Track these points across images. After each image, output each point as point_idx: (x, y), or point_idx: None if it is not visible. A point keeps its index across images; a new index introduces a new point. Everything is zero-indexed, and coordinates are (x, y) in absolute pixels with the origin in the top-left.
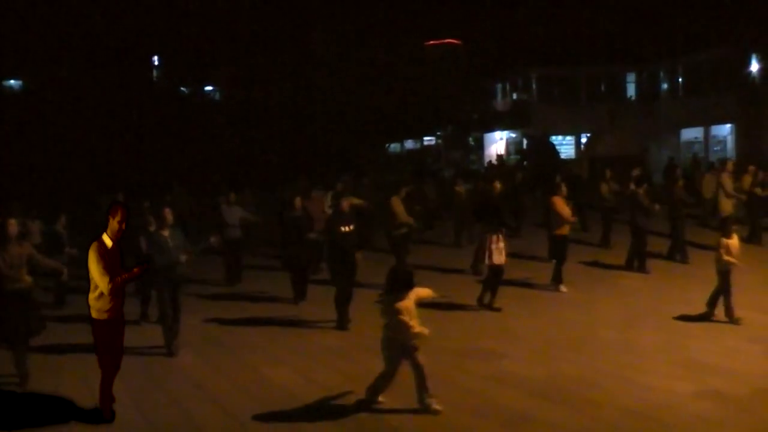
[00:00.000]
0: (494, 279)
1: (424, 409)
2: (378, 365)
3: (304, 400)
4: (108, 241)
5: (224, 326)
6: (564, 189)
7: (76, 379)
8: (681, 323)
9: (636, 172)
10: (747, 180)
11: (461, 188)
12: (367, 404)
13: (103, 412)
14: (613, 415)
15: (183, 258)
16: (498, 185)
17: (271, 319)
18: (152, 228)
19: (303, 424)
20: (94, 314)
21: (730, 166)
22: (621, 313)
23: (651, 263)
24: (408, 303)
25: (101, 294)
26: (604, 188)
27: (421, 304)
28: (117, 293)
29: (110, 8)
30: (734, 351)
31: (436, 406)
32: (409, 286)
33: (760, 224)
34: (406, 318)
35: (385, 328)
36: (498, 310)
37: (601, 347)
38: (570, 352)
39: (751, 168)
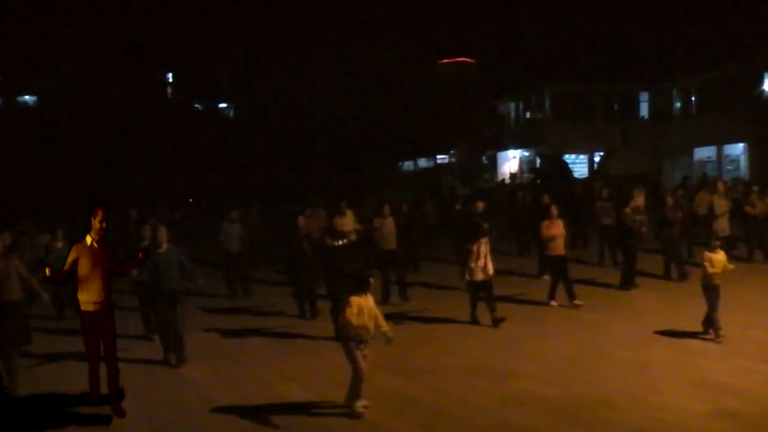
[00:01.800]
0: (474, 294)
1: (349, 410)
2: (390, 383)
3: (316, 418)
4: (88, 239)
5: (234, 341)
6: (554, 210)
7: (74, 388)
8: (694, 342)
9: (637, 192)
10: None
11: (460, 207)
12: (351, 412)
13: (92, 396)
14: None
15: (176, 277)
16: (480, 204)
17: (281, 334)
18: (145, 244)
19: None
20: (81, 306)
21: (720, 186)
22: (633, 333)
23: (662, 282)
24: (362, 300)
25: (83, 287)
26: (598, 207)
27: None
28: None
29: (125, 26)
30: (747, 371)
31: (361, 410)
32: (364, 285)
33: (761, 243)
34: (352, 311)
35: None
36: (477, 323)
37: (614, 366)
38: (583, 371)
39: (739, 187)
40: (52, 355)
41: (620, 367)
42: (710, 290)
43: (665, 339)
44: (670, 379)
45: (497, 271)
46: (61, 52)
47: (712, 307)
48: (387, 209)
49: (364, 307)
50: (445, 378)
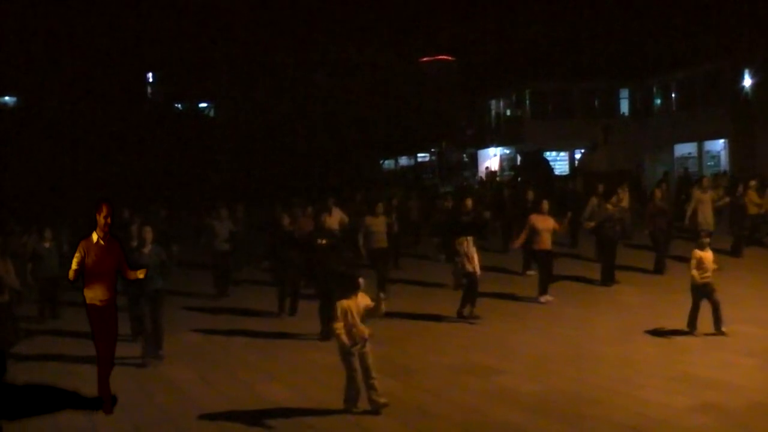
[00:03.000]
0: (467, 288)
1: (374, 410)
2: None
3: (301, 418)
4: (95, 236)
5: (217, 341)
6: (545, 206)
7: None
8: (677, 337)
9: (621, 189)
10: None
11: (449, 204)
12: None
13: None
14: (609, 431)
15: (160, 277)
16: (469, 202)
17: (264, 334)
18: (134, 244)
19: None
20: (87, 301)
21: (706, 182)
22: (616, 328)
23: (645, 278)
24: (351, 303)
25: (90, 284)
26: (593, 203)
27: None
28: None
29: (105, 25)
30: (730, 365)
31: (383, 400)
32: (354, 287)
33: (741, 237)
34: (339, 317)
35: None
36: (474, 318)
37: (597, 362)
38: (566, 367)
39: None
40: (42, 355)
41: (604, 363)
42: (699, 289)
43: (648, 334)
44: (654, 374)
45: (482, 268)
46: (40, 53)
47: (695, 306)
48: (380, 208)
49: (352, 308)
50: (430, 376)
